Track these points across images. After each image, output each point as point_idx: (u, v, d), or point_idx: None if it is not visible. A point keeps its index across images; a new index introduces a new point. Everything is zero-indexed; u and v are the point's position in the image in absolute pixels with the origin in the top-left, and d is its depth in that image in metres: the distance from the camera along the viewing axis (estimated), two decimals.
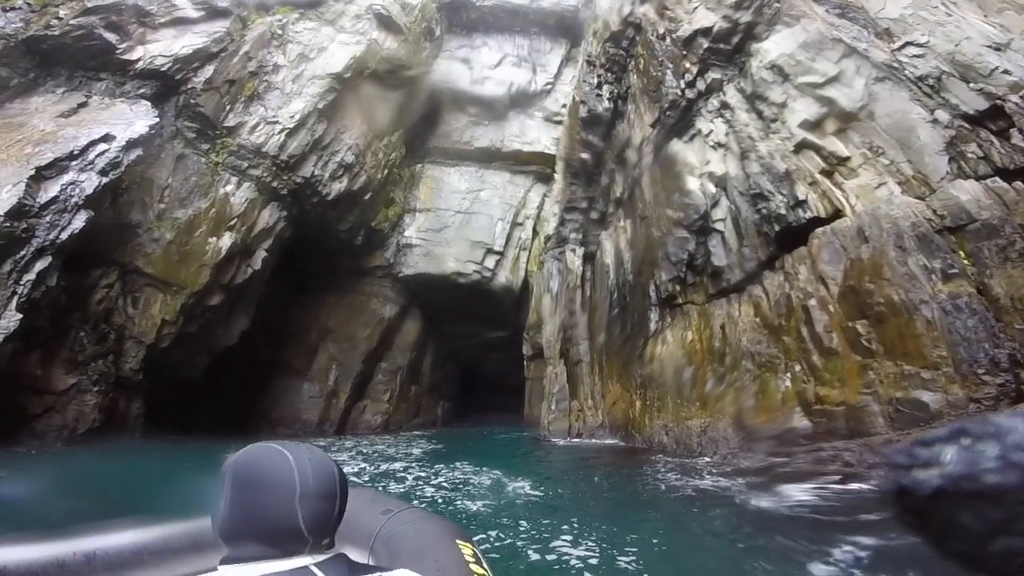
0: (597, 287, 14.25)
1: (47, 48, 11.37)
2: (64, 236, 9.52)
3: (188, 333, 12.77)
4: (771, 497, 6.87)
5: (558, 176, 16.90)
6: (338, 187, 16.09)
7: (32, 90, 11.29)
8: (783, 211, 9.21)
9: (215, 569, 1.00)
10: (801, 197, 8.91)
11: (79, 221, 9.71)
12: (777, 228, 9.36)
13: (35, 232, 9.25)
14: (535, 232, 20.07)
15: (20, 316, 8.99)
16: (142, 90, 12.28)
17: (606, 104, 13.91)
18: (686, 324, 10.88)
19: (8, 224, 8.92)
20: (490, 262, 19.67)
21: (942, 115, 7.90)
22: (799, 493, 6.95)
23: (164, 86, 12.66)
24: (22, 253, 9.14)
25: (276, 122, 14.22)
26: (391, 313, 19.74)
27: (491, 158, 20.51)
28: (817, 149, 8.89)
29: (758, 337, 9.60)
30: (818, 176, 8.85)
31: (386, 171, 18.01)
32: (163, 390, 12.38)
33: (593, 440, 12.23)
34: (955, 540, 0.50)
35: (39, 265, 9.31)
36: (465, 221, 20.02)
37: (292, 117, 14.46)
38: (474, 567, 1.68)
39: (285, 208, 15.02)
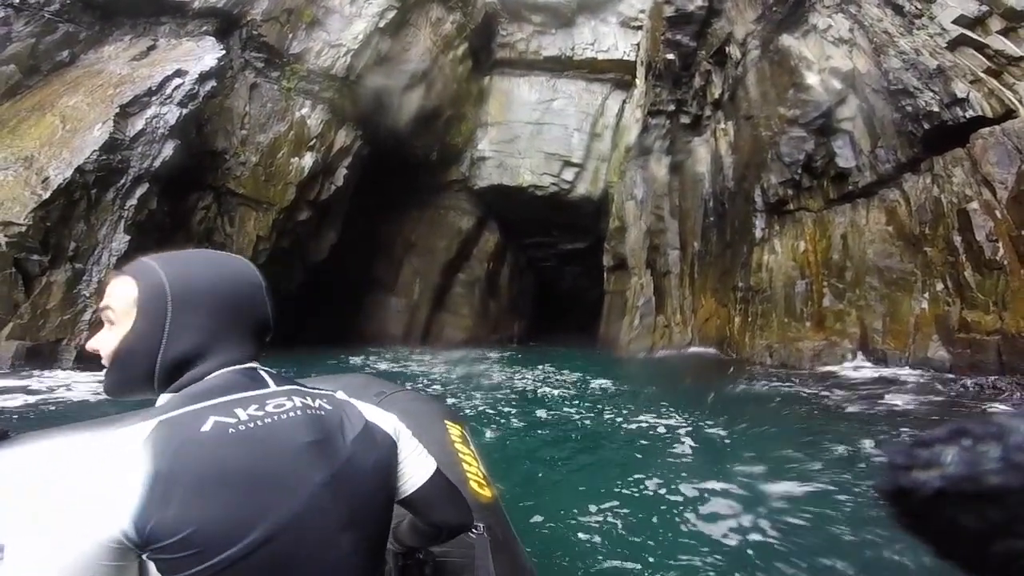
0: (687, 196, 12.75)
1: (103, 1, 11.11)
2: (157, 164, 9.57)
3: (282, 248, 13.01)
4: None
5: (639, 81, 15.04)
6: (408, 104, 15.25)
7: (102, 41, 11.23)
8: (936, 108, 7.52)
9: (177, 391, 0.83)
10: (960, 95, 7.34)
11: (168, 149, 9.75)
12: (927, 127, 7.67)
13: (130, 162, 9.35)
14: (614, 144, 18.31)
15: (128, 238, 9.30)
16: (204, 28, 11.98)
17: (698, 3, 11.95)
18: (798, 232, 9.44)
19: (105, 157, 9.01)
20: (568, 174, 18.39)
21: None
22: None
23: (225, 22, 12.30)
24: (122, 182, 9.26)
25: (340, 45, 13.60)
26: (468, 224, 19.29)
27: (562, 67, 18.60)
28: (979, 47, 7.47)
29: (889, 249, 8.12)
30: (982, 75, 7.34)
31: (455, 87, 16.88)
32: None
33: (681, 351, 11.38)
34: (956, 542, 0.48)
35: (139, 191, 9.47)
36: (536, 132, 18.62)
37: (355, 38, 13.76)
38: (459, 446, 1.67)
39: (360, 127, 14.56)
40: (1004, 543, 0.45)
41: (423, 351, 15.08)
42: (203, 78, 10.62)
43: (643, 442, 4.55)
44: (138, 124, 9.60)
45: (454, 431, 1.80)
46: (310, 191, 13.31)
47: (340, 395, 0.95)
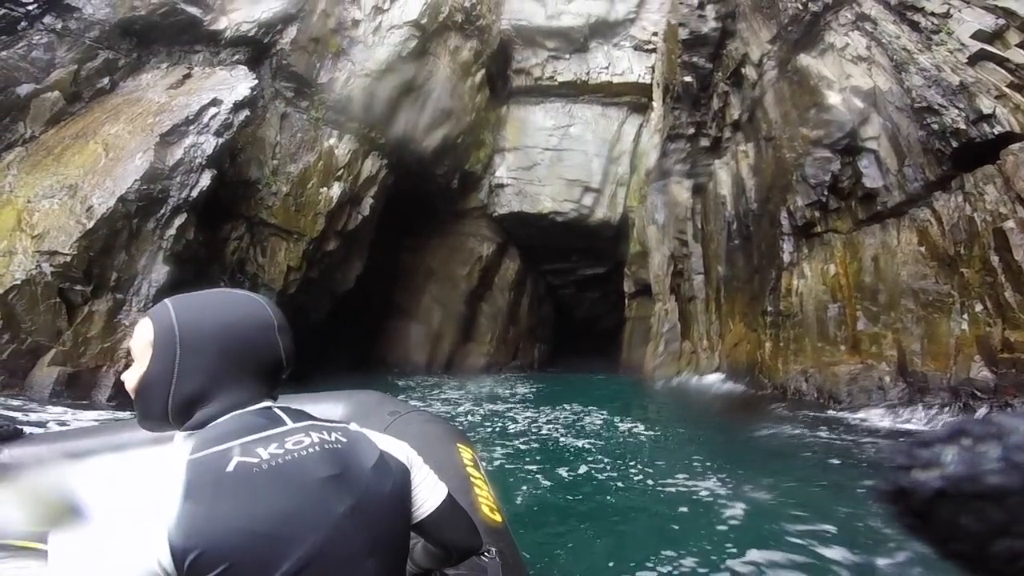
0: (710, 219, 12.80)
1: (140, 28, 11.61)
2: (195, 194, 9.85)
3: (311, 278, 13.24)
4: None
5: (656, 104, 15.28)
6: (429, 132, 15.79)
7: (139, 69, 11.67)
8: (962, 125, 7.52)
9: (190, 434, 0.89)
10: (987, 111, 7.30)
11: (206, 179, 10.03)
12: (955, 144, 7.65)
13: (169, 192, 9.63)
14: (632, 167, 18.56)
15: (167, 268, 9.51)
16: (236, 56, 12.42)
17: (712, 24, 12.19)
18: (827, 256, 9.40)
19: (146, 187, 9.31)
20: (588, 200, 18.64)
21: None
22: None
23: (256, 51, 12.79)
24: (161, 212, 9.54)
25: (365, 74, 14.12)
26: (488, 251, 19.48)
27: (578, 91, 19.03)
28: (1000, 61, 7.43)
29: (923, 271, 8.04)
30: (1006, 89, 7.29)
31: (473, 114, 17.33)
32: (294, 337, 12.91)
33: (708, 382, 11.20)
34: (956, 542, 0.48)
35: (177, 221, 9.73)
36: (556, 158, 18.95)
37: (379, 67, 14.31)
38: (470, 469, 1.71)
39: (385, 156, 14.97)
40: (1004, 543, 0.45)
41: (448, 381, 15.05)
42: (237, 107, 10.95)
43: (682, 508, 4.34)
44: (177, 153, 9.91)
45: (466, 455, 1.83)
46: (338, 221, 13.62)
47: (354, 427, 1.00)
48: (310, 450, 0.88)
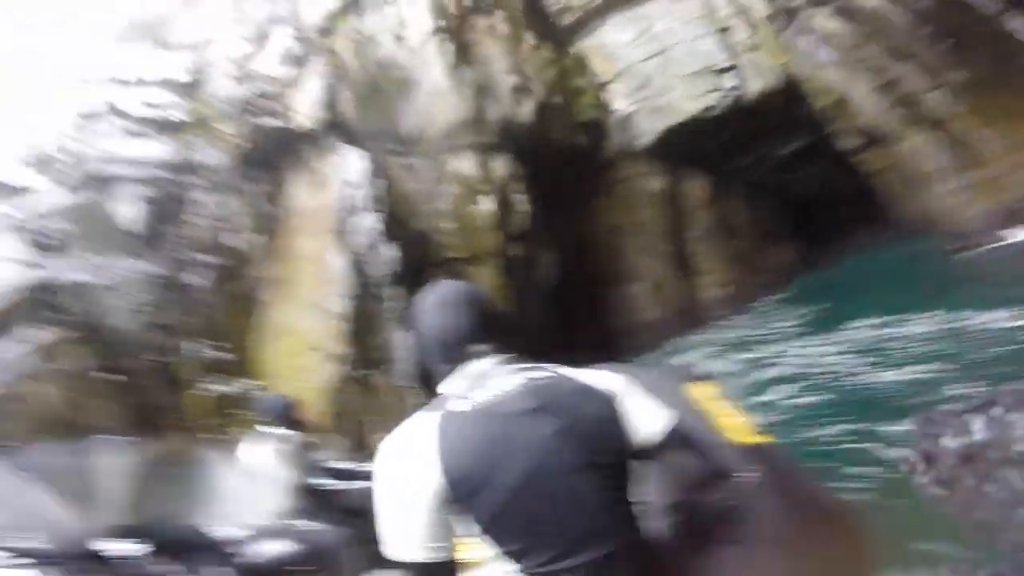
0: None
1: None
2: None
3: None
4: None
5: None
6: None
7: None
8: None
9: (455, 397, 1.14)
10: None
11: None
12: None
13: None
14: (752, 27, 14.53)
15: None
16: None
17: None
18: None
19: None
20: (728, 81, 14.79)
21: None
22: None
23: None
24: None
25: None
26: (661, 186, 16.13)
27: None
28: None
29: None
30: None
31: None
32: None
33: None
34: (980, 509, 0.44)
35: None
36: (663, 64, 15.64)
37: None
38: (708, 403, 1.55)
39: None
40: None
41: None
42: None
43: None
44: None
45: (702, 390, 1.53)
46: None
47: (562, 369, 1.17)
48: (519, 387, 1.09)
